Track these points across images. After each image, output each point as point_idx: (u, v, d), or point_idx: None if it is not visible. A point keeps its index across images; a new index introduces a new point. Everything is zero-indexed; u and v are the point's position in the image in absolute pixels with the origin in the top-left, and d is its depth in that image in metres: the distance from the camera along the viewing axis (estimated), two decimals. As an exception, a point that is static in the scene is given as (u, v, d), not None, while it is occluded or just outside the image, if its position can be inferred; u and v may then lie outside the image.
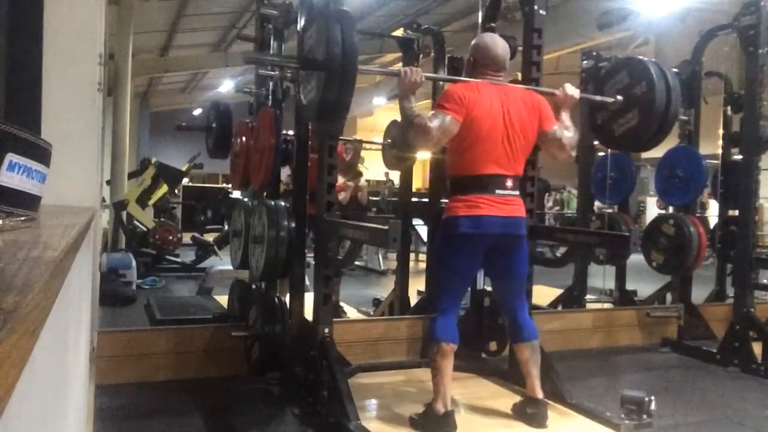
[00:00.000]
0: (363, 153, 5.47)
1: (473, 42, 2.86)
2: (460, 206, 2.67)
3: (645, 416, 2.87)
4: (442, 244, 2.82)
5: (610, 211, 5.74)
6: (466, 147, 2.65)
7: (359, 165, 5.27)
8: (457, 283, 2.82)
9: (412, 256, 6.33)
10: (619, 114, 3.28)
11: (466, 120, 2.60)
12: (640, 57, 3.44)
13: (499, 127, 2.64)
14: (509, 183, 2.69)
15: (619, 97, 3.23)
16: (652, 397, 2.90)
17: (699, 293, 5.35)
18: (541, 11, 3.29)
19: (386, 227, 2.48)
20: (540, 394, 2.83)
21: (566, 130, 2.79)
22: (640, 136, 3.25)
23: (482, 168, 2.65)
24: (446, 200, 2.93)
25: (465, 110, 2.60)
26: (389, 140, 4.68)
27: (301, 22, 3.29)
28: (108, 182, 8.88)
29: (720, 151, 5.20)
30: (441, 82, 4.47)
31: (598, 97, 3.30)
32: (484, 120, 2.62)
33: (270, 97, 3.98)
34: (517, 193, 2.74)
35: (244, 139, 4.12)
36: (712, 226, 5.52)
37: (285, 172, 4.04)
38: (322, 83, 2.53)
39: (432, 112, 2.65)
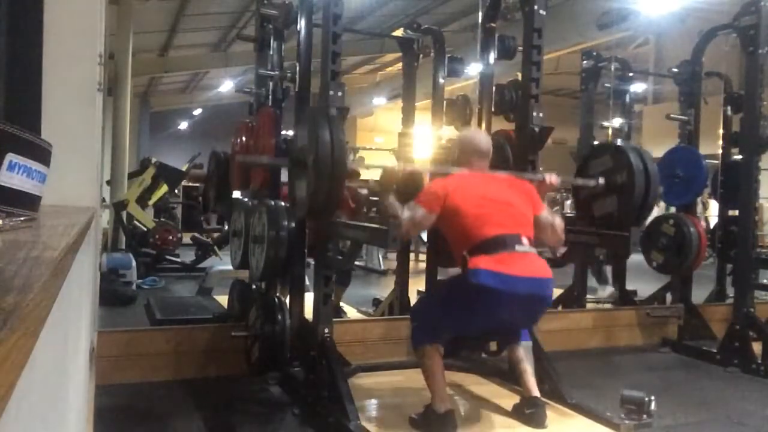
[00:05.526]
0: (363, 153, 5.47)
1: (457, 137, 3.19)
2: (481, 261, 2.52)
3: (645, 416, 2.87)
4: (454, 293, 2.71)
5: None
6: (466, 224, 2.63)
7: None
8: (451, 331, 2.81)
9: (412, 256, 6.32)
10: (600, 196, 3.45)
11: (447, 207, 2.65)
12: (622, 145, 3.70)
13: (489, 201, 2.68)
14: (525, 241, 2.61)
15: (601, 181, 3.36)
16: (652, 397, 2.90)
17: (699, 293, 5.34)
18: (541, 11, 3.29)
19: (386, 227, 2.48)
20: (536, 392, 2.82)
21: (555, 216, 2.89)
22: (617, 220, 3.45)
23: (490, 231, 2.58)
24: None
25: (441, 201, 2.66)
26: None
27: (301, 22, 3.29)
28: (108, 182, 8.88)
29: (720, 151, 5.20)
30: (440, 84, 4.48)
31: (580, 181, 3.52)
32: (470, 198, 2.67)
33: (270, 97, 3.98)
34: (536, 251, 2.68)
35: (244, 139, 4.11)
36: (712, 226, 5.52)
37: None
38: (311, 184, 2.68)
39: (410, 203, 2.74)
